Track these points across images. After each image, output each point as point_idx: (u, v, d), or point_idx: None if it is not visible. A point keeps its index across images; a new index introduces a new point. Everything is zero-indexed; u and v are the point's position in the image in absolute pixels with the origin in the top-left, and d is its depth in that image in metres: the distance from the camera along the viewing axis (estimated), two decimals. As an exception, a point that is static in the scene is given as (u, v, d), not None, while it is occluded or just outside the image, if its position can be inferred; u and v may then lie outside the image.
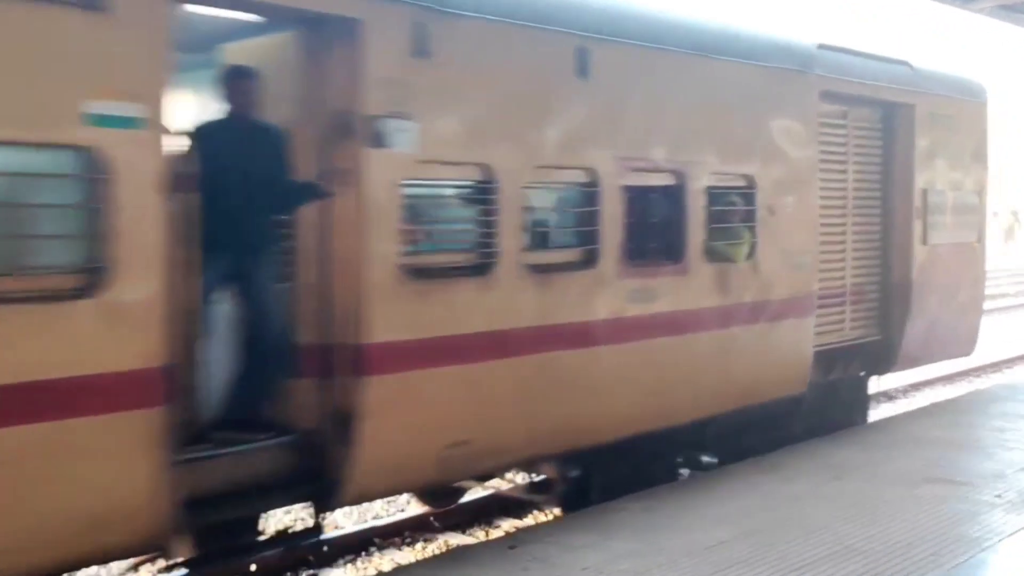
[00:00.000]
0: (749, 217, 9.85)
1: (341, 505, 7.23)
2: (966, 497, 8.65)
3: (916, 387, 17.91)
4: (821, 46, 10.74)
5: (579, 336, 8.20)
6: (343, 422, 6.72)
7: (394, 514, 10.39)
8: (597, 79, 8.26)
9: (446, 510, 10.30)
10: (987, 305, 30.98)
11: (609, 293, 8.41)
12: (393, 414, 6.90)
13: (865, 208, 11.82)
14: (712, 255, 9.43)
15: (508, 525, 10.18)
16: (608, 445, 8.87)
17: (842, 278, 11.54)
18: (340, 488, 6.76)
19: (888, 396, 17.11)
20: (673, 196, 9.10)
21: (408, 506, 10.44)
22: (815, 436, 11.13)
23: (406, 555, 9.58)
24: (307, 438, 6.80)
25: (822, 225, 11.01)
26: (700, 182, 9.20)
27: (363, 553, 9.56)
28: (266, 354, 6.75)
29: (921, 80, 12.19)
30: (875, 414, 14.94)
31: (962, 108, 12.93)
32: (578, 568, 6.93)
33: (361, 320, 6.70)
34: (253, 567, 8.34)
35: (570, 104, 8.10)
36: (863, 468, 9.64)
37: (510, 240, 7.60)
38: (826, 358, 11.39)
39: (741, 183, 9.81)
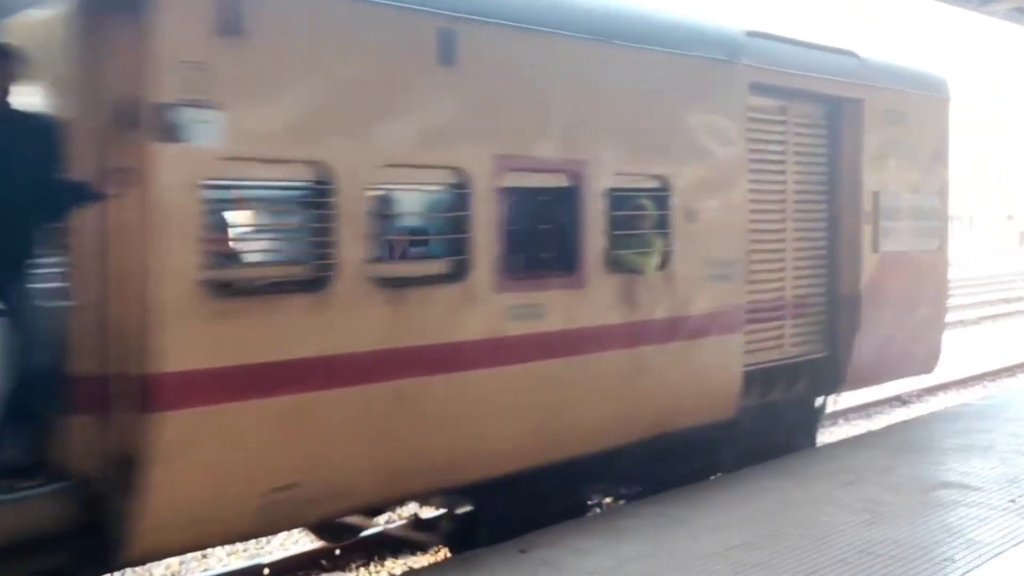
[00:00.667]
0: (662, 223, 8.78)
1: (130, 564, 6.19)
2: (980, 502, 8.54)
3: (930, 391, 17.73)
4: (750, 33, 9.68)
5: (445, 359, 7.15)
6: (126, 467, 5.68)
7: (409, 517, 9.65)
8: (467, 66, 7.21)
9: (345, 544, 9.30)
10: (1003, 309, 30.96)
11: (483, 310, 7.36)
12: (192, 456, 5.85)
13: (808, 212, 10.74)
14: (615, 265, 8.37)
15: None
16: (498, 480, 7.85)
17: (781, 290, 10.47)
18: (124, 544, 5.72)
19: (902, 401, 17.06)
20: (566, 199, 8.05)
21: (420, 511, 9.57)
22: (754, 463, 10.10)
23: (418, 560, 9.19)
24: (84, 486, 5.76)
25: (756, 231, 9.95)
26: (599, 183, 8.14)
27: (375, 557, 9.31)
28: (31, 386, 5.70)
29: (871, 72, 11.12)
30: (888, 419, 15.31)
31: (920, 104, 11.85)
32: (588, 572, 6.91)
33: (148, 346, 5.66)
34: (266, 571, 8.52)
35: (431, 94, 7.05)
36: (877, 473, 9.52)
37: (352, 250, 6.55)
38: (763, 378, 10.32)
39: (652, 184, 8.75)
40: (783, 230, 10.44)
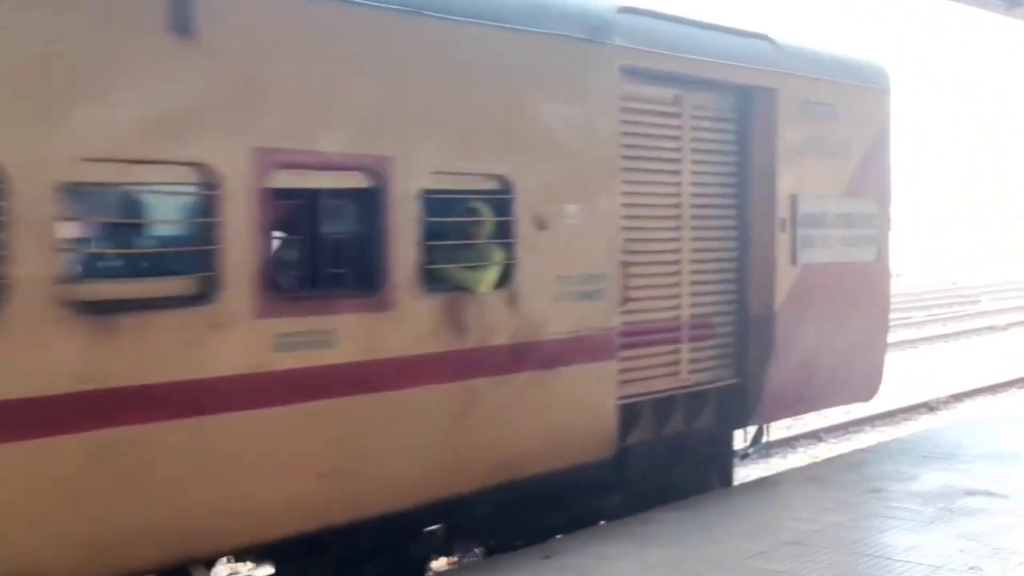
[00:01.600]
0: (502, 231, 7.39)
1: None
2: (1007, 510, 8.44)
3: (958, 398, 17.66)
4: (624, 9, 8.27)
5: (184, 401, 5.78)
6: None
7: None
8: (211, 38, 5.85)
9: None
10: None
11: (239, 338, 5.98)
12: None
13: (710, 219, 9.32)
14: (436, 283, 6.99)
15: None
16: (297, 540, 6.49)
17: (676, 308, 9.05)
18: None
19: (929, 407, 16.91)
20: (364, 203, 6.67)
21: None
22: (648, 507, 8.70)
23: (440, 563, 8.62)
24: None
25: (637, 240, 8.56)
26: (410, 184, 6.76)
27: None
28: None
29: (787, 59, 9.69)
30: (916, 426, 15.34)
31: (852, 95, 10.41)
32: None
33: None
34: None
35: (157, 72, 5.68)
36: (903, 480, 9.45)
37: (32, 266, 5.20)
38: (653, 410, 8.91)
39: (489, 186, 7.36)
40: (678, 239, 9.02)
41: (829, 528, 7.90)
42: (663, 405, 9.01)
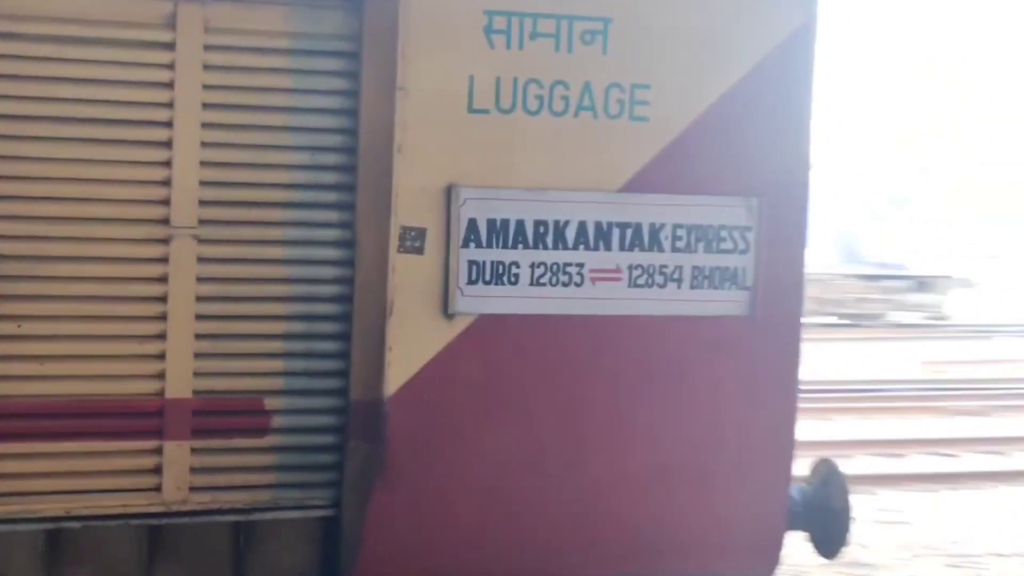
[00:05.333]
0: None
1: None
2: None
3: None
4: None
5: None
6: None
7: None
8: None
9: None
10: None
11: None
12: None
13: (253, 226, 5.33)
14: None
15: None
16: None
17: (152, 377, 5.24)
18: None
19: None
20: None
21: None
22: None
23: None
24: None
25: (29, 260, 5.06)
26: None
27: None
28: None
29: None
30: None
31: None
32: None
33: None
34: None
35: None
36: None
37: None
38: (85, 548, 5.29)
39: None
40: (161, 259, 5.22)
41: None
42: (114, 540, 5.27)
